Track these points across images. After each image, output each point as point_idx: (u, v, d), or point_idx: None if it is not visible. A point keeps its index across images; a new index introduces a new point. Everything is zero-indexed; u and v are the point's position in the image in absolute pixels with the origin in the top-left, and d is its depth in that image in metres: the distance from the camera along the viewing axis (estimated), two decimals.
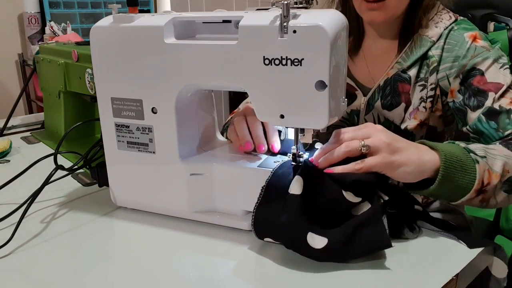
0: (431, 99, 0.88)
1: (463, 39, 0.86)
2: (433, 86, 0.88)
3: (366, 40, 0.97)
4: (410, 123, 0.89)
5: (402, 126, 0.90)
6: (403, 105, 0.90)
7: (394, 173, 0.63)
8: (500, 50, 0.85)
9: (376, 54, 0.95)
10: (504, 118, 0.79)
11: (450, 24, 0.88)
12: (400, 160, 0.62)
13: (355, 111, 0.95)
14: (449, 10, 0.91)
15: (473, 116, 0.83)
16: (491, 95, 0.80)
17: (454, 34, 0.87)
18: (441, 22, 0.89)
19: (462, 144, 0.70)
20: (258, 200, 0.62)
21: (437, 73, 0.87)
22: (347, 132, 0.64)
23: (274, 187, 0.62)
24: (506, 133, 0.78)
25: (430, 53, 0.87)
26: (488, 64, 0.82)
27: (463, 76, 0.84)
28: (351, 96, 0.95)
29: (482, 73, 0.82)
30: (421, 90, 0.89)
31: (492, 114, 0.80)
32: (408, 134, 0.89)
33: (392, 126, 0.91)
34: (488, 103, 0.81)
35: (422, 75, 0.89)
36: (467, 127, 0.84)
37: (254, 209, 0.62)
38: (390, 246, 0.59)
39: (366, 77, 0.95)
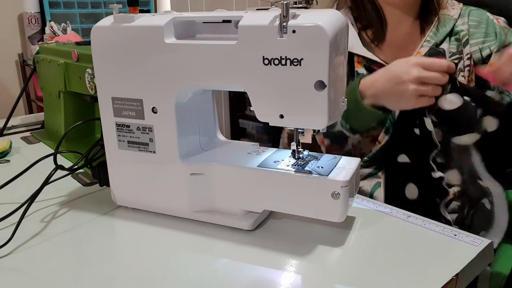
0: (468, 68, 0.93)
1: (487, 17, 0.95)
2: (468, 56, 0.93)
3: (389, 28, 1.01)
4: None
5: None
6: None
7: None
8: None
9: (400, 38, 0.99)
10: None
11: (462, 7, 0.97)
12: None
13: None
14: None
15: None
16: None
17: (475, 13, 0.96)
18: (455, 5, 0.98)
19: None
20: None
21: (469, 46, 0.93)
22: None
23: None
24: None
25: (457, 28, 0.94)
26: None
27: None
28: None
29: None
30: (457, 63, 0.93)
31: None
32: None
33: None
34: None
35: (453, 50, 0.93)
36: None
37: None
38: None
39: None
